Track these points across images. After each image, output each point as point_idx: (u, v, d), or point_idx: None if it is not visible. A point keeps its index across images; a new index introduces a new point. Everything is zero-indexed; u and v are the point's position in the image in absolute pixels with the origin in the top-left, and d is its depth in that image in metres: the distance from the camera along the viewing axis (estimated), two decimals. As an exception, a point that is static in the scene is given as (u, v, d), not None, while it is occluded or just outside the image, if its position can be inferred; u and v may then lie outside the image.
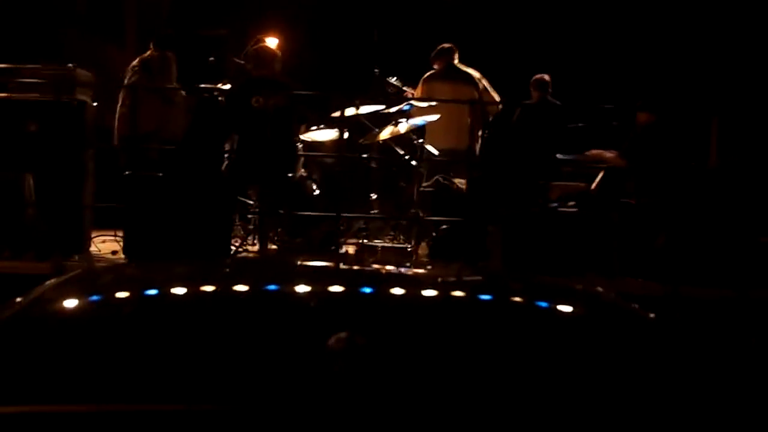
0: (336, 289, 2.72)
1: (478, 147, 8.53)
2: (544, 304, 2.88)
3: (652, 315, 2.92)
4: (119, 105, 8.11)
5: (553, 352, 2.41)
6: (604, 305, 3.07)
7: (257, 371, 2.21)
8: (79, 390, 2.17)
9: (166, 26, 9.87)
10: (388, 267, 3.51)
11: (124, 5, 11.45)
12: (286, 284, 2.71)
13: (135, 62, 8.29)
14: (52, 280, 2.96)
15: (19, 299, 2.73)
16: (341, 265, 3.59)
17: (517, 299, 2.91)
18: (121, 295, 2.76)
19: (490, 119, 8.70)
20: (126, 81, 8.23)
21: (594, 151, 7.87)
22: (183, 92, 8.04)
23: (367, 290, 2.73)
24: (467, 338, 2.43)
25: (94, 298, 2.73)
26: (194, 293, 2.66)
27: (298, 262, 3.69)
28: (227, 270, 3.31)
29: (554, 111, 8.32)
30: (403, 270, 3.43)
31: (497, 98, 8.80)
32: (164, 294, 2.67)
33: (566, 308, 2.84)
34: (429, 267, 4.14)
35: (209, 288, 2.71)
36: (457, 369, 2.28)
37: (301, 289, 2.65)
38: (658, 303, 6.24)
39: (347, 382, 2.18)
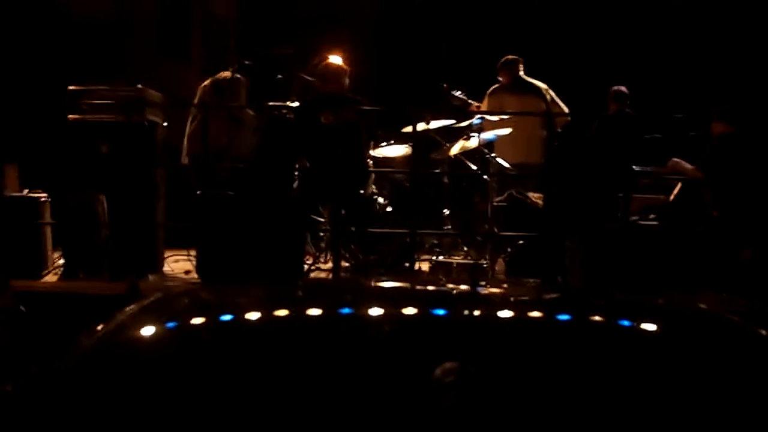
0: (411, 311, 2.60)
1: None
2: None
3: (764, 332, 2.74)
4: (188, 123, 8.12)
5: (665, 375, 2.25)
6: (715, 324, 2.88)
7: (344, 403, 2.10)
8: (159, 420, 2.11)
9: (233, 46, 9.85)
10: (465, 287, 3.36)
11: (191, 24, 11.52)
12: (361, 307, 2.63)
13: (207, 82, 8.30)
14: (132, 306, 2.89)
15: (100, 327, 2.67)
16: (418, 286, 3.45)
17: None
18: (197, 321, 2.67)
19: (559, 131, 8.52)
20: (196, 100, 8.25)
21: (672, 162, 7.65)
22: (251, 112, 8.01)
23: (442, 312, 2.61)
24: (563, 361, 2.28)
25: (170, 324, 2.67)
26: (268, 318, 2.58)
27: (373, 284, 3.59)
28: (301, 293, 3.21)
29: (632, 123, 8.11)
30: (481, 291, 3.28)
31: (565, 110, 8.64)
32: (239, 319, 2.59)
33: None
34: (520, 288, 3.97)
35: (284, 312, 2.64)
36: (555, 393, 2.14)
37: (376, 312, 2.56)
38: (744, 320, 6.02)
39: (460, 416, 2.05)
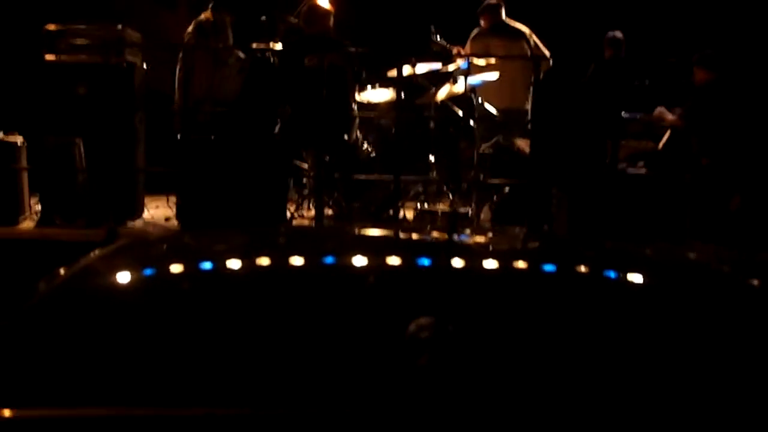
0: (394, 261, 2.54)
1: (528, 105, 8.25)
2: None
3: (756, 282, 2.67)
4: (177, 70, 7.94)
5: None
6: (705, 275, 2.79)
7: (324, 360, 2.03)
8: (128, 371, 2.05)
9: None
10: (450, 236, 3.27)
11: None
12: (344, 256, 2.57)
13: (190, 27, 8.10)
14: (98, 251, 2.79)
15: (63, 270, 2.58)
16: (402, 234, 3.37)
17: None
18: (175, 268, 2.60)
19: (541, 77, 8.33)
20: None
21: (658, 111, 7.54)
22: (239, 53, 7.80)
23: (426, 262, 2.53)
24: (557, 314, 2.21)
25: (147, 272, 2.58)
26: (250, 266, 2.50)
27: (356, 232, 3.52)
28: (283, 241, 3.12)
29: (626, 69, 7.96)
30: (465, 240, 3.19)
31: (548, 54, 8.48)
32: (219, 267, 2.50)
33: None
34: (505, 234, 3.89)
35: (266, 261, 2.56)
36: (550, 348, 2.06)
37: (359, 262, 2.49)
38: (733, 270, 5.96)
39: (436, 376, 1.96)
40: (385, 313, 2.20)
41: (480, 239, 3.25)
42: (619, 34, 8.50)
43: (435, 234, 3.20)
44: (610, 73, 7.98)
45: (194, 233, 4.39)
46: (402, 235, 3.30)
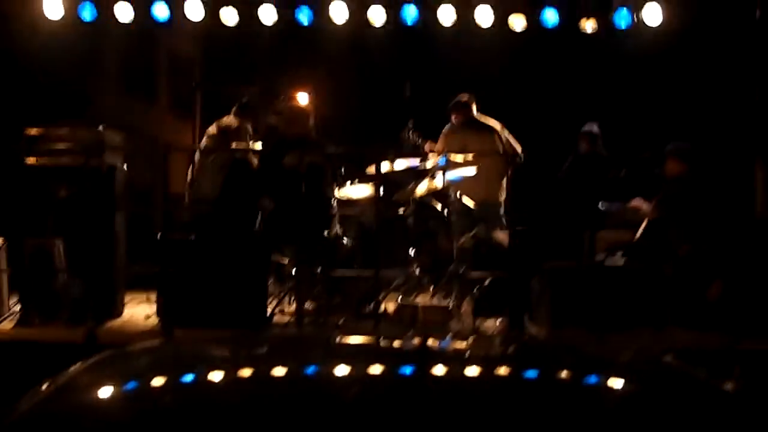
0: (376, 370, 2.56)
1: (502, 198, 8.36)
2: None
3: (729, 386, 2.64)
4: (189, 170, 8.03)
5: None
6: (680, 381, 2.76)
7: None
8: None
9: (197, 85, 9.78)
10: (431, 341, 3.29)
11: (154, 63, 11.45)
12: (325, 366, 2.58)
13: (212, 129, 8.21)
14: (79, 365, 2.76)
15: (44, 386, 2.55)
16: (383, 341, 3.39)
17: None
18: (157, 382, 2.58)
19: (512, 171, 8.44)
20: (202, 146, 8.16)
21: (634, 202, 7.66)
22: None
23: (408, 371, 2.55)
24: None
25: (128, 386, 2.56)
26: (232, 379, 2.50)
27: (338, 340, 3.53)
28: (265, 350, 3.13)
29: (603, 163, 8.08)
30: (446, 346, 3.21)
31: (519, 149, 8.62)
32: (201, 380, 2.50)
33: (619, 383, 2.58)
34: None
35: (248, 372, 2.59)
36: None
37: (341, 371, 2.52)
38: (714, 357, 5.96)
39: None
40: (368, 424, 2.19)
41: (460, 345, 3.27)
42: (596, 128, 8.65)
43: (417, 338, 3.22)
44: (586, 167, 8.09)
45: (176, 343, 4.37)
46: (382, 343, 3.31)
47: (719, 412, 2.38)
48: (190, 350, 3.01)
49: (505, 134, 8.64)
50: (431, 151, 8.28)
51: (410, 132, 8.24)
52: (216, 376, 2.53)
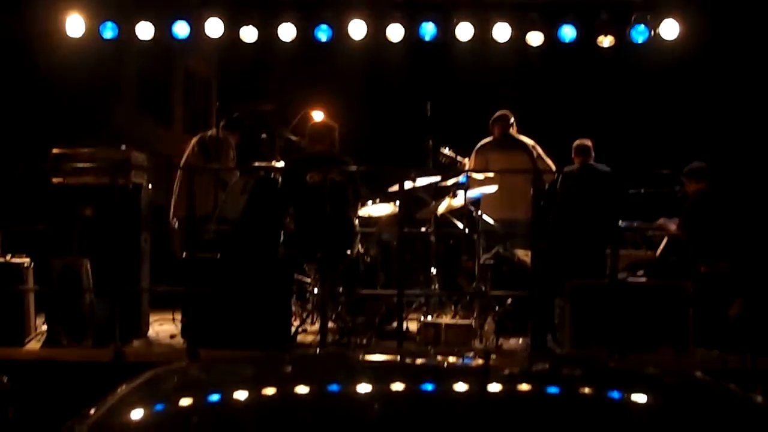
0: (399, 387, 2.59)
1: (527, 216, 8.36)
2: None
3: (759, 399, 2.68)
4: (175, 184, 8.07)
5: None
6: (711, 394, 2.80)
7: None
8: None
9: (217, 105, 9.86)
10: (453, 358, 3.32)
11: (172, 84, 11.54)
12: (349, 385, 2.62)
13: (193, 141, 8.27)
14: (123, 387, 2.82)
15: (92, 410, 2.60)
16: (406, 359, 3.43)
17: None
18: (185, 402, 2.61)
19: (546, 187, 8.47)
20: (183, 161, 8.21)
21: (660, 221, 7.71)
22: (237, 173, 7.93)
23: (430, 388, 2.59)
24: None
25: (158, 407, 2.61)
26: (256, 397, 2.55)
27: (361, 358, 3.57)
28: (289, 369, 3.18)
29: (599, 177, 8.02)
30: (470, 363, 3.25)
31: (552, 166, 8.63)
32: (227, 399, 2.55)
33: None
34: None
35: (271, 390, 2.62)
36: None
37: (364, 389, 2.56)
38: (736, 376, 5.97)
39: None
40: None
41: (482, 362, 3.31)
42: (587, 142, 8.49)
43: (440, 356, 3.25)
44: (577, 181, 8.05)
45: (208, 363, 4.42)
46: (407, 360, 3.35)
47: (753, 425, 2.42)
48: (222, 370, 3.05)
49: (538, 151, 8.67)
50: (464, 166, 8.35)
51: (445, 149, 8.31)
52: (241, 395, 2.56)
